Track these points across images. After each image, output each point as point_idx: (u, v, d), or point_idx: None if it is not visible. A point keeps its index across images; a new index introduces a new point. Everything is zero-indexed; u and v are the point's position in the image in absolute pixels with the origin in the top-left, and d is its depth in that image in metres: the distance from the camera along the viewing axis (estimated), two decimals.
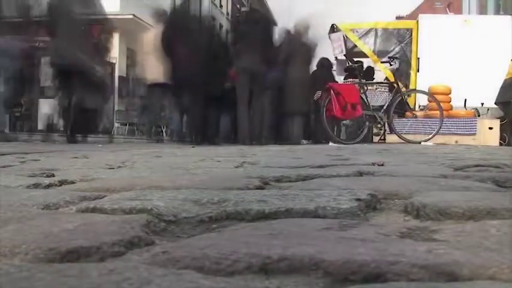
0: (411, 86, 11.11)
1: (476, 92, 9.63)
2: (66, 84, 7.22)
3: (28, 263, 0.72)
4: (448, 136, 8.85)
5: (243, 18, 10.33)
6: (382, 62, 10.58)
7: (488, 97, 9.49)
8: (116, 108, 17.01)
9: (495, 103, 9.52)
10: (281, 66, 8.44)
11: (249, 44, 7.90)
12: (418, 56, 11.60)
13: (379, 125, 8.86)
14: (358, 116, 8.08)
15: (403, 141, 8.13)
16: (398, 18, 28.96)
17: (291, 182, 1.79)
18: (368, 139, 9.49)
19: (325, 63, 10.15)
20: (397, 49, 11.77)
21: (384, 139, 10.29)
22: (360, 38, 12.15)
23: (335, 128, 9.39)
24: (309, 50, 8.89)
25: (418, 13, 19.37)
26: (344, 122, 10.00)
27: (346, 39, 12.59)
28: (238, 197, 1.24)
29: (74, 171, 2.19)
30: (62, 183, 1.76)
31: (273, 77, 8.17)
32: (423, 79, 10.89)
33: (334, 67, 12.56)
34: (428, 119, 8.84)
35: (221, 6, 31.42)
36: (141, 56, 9.59)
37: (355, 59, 11.95)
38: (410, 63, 11.73)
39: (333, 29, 12.77)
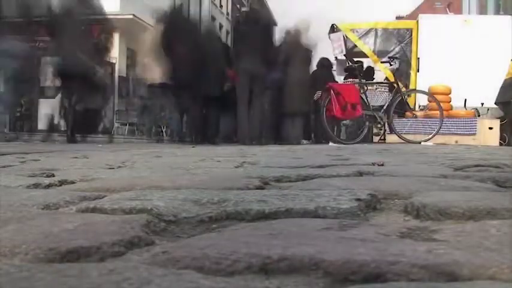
0: (411, 86, 11.10)
1: (476, 92, 9.62)
2: (66, 84, 7.23)
3: (28, 263, 0.72)
4: (448, 136, 8.85)
5: (243, 19, 10.33)
6: (382, 62, 10.57)
7: (488, 97, 9.48)
8: (116, 108, 17.00)
9: (495, 103, 9.52)
10: (281, 67, 8.44)
11: (249, 44, 7.90)
12: (418, 56, 11.59)
13: (379, 125, 8.86)
14: (358, 116, 8.08)
15: (403, 141, 8.12)
16: (398, 18, 28.99)
17: (291, 182, 1.79)
18: (368, 139, 9.48)
19: (325, 63, 10.16)
20: (397, 49, 11.77)
21: (384, 139, 10.29)
22: (359, 38, 12.15)
23: (335, 128, 9.39)
24: (308, 50, 8.89)
25: (418, 13, 19.38)
26: (344, 122, 10.00)
27: (346, 39, 12.59)
28: (238, 197, 1.24)
29: (74, 171, 2.19)
30: (62, 183, 1.76)
31: (273, 77, 8.17)
32: (423, 79, 10.89)
33: (334, 67, 12.56)
34: (428, 119, 8.84)
35: (221, 6, 31.43)
36: (141, 56, 9.60)
37: (355, 59, 11.94)
38: (410, 63, 11.72)
39: (333, 29, 12.76)
